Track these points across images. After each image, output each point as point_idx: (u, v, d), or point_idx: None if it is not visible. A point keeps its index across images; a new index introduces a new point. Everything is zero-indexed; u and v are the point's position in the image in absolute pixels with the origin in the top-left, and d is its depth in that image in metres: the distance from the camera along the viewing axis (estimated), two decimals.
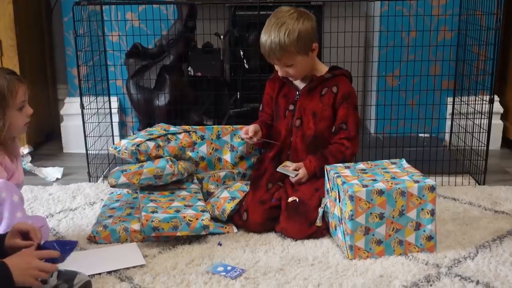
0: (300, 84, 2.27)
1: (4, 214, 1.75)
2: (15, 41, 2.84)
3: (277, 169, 2.20)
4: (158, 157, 2.22)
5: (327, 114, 2.22)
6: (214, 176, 2.39)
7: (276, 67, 2.21)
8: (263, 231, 2.13)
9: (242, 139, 2.45)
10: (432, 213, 1.94)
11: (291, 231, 2.08)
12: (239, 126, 2.46)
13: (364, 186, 1.90)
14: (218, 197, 2.23)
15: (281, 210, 2.13)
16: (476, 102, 2.67)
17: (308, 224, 2.07)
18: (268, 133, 2.32)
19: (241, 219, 2.15)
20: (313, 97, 2.24)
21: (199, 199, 2.17)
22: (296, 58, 2.14)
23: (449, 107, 2.99)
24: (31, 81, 3.02)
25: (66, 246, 1.54)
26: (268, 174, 2.26)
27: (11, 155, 1.92)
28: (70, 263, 1.82)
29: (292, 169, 2.19)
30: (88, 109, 2.71)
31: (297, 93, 2.26)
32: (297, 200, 2.11)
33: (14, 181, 1.90)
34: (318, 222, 2.08)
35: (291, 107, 2.27)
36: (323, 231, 2.09)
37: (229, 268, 1.87)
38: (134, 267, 1.88)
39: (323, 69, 2.26)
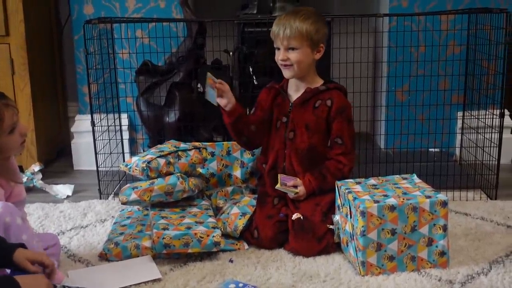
0: (294, 95, 2.25)
1: (11, 239, 1.70)
2: (27, 60, 2.86)
3: (276, 187, 2.18)
4: (169, 174, 2.23)
5: (321, 127, 2.21)
6: (222, 191, 2.39)
7: (278, 53, 2.18)
8: (275, 247, 2.13)
9: (252, 155, 2.45)
10: (445, 228, 1.93)
11: (301, 249, 2.07)
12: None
13: (376, 201, 1.90)
14: (228, 214, 2.22)
15: (289, 228, 2.12)
16: (487, 116, 2.66)
17: (316, 240, 2.07)
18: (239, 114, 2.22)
19: (252, 237, 2.15)
20: (306, 109, 2.22)
21: (210, 216, 2.17)
22: (304, 44, 2.14)
23: (459, 122, 2.99)
24: (42, 98, 3.06)
25: None
26: (270, 190, 2.24)
27: (7, 175, 1.87)
28: (84, 278, 1.81)
29: (291, 185, 2.18)
30: (99, 126, 2.72)
31: (290, 104, 2.25)
32: (301, 217, 2.10)
33: (16, 198, 1.87)
34: (336, 239, 2.07)
35: (284, 119, 2.26)
36: (333, 246, 2.09)
37: (240, 285, 1.86)
38: (146, 282, 1.88)
39: (318, 81, 2.25)
